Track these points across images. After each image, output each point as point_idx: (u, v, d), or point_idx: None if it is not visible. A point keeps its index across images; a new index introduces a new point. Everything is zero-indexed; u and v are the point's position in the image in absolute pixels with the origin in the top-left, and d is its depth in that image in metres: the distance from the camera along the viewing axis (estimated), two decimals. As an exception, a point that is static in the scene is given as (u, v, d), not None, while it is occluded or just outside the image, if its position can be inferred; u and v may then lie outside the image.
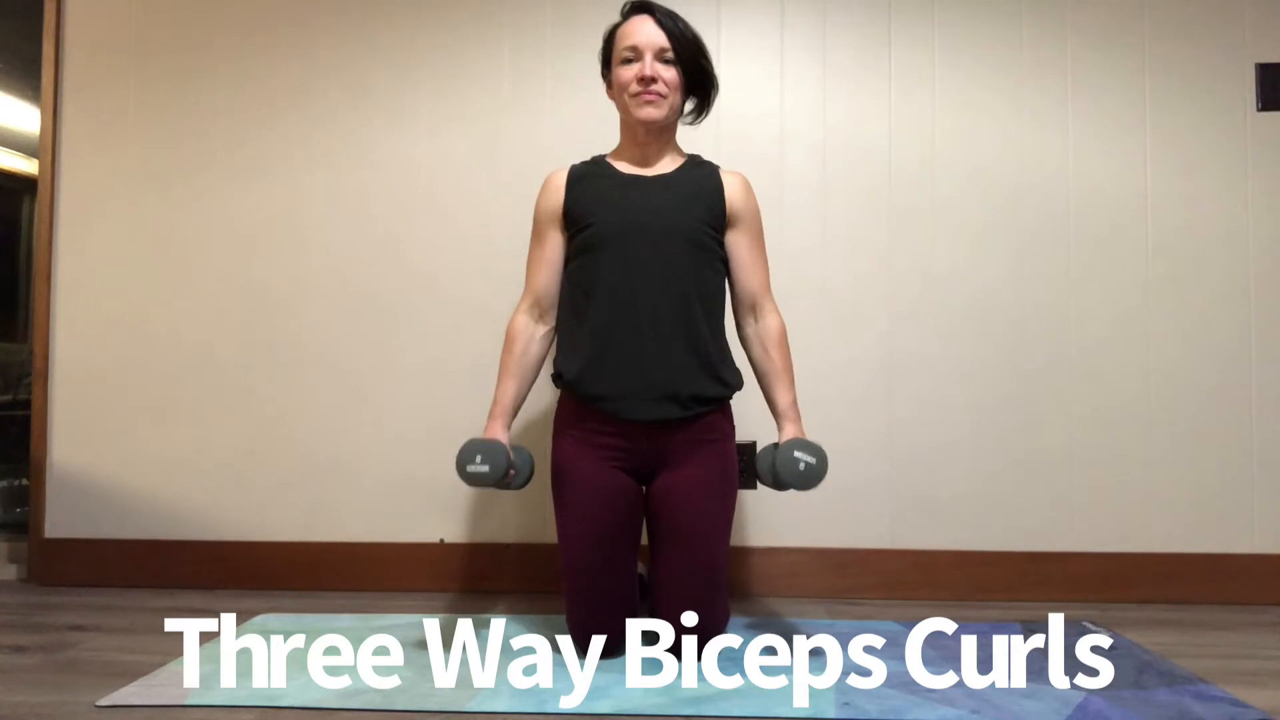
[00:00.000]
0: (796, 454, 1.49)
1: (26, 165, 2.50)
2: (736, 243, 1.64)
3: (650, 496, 1.59)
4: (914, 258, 2.06)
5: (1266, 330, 2.01)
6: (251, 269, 2.14)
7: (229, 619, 1.79)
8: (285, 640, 1.64)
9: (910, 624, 1.76)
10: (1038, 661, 1.53)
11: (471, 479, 1.51)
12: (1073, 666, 1.50)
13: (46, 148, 2.17)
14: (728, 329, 1.66)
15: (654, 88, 1.57)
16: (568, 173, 1.66)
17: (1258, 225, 2.03)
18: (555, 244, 1.65)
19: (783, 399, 1.61)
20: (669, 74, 1.59)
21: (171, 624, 1.64)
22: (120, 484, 2.14)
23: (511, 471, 1.55)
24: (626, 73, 1.59)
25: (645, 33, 1.58)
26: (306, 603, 1.96)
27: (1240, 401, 2.01)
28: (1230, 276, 2.02)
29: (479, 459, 1.50)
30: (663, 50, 1.58)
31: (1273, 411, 2.00)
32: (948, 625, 1.69)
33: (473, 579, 2.07)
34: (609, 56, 1.66)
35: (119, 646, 1.63)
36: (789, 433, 1.57)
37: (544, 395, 2.08)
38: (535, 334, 1.64)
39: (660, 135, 1.64)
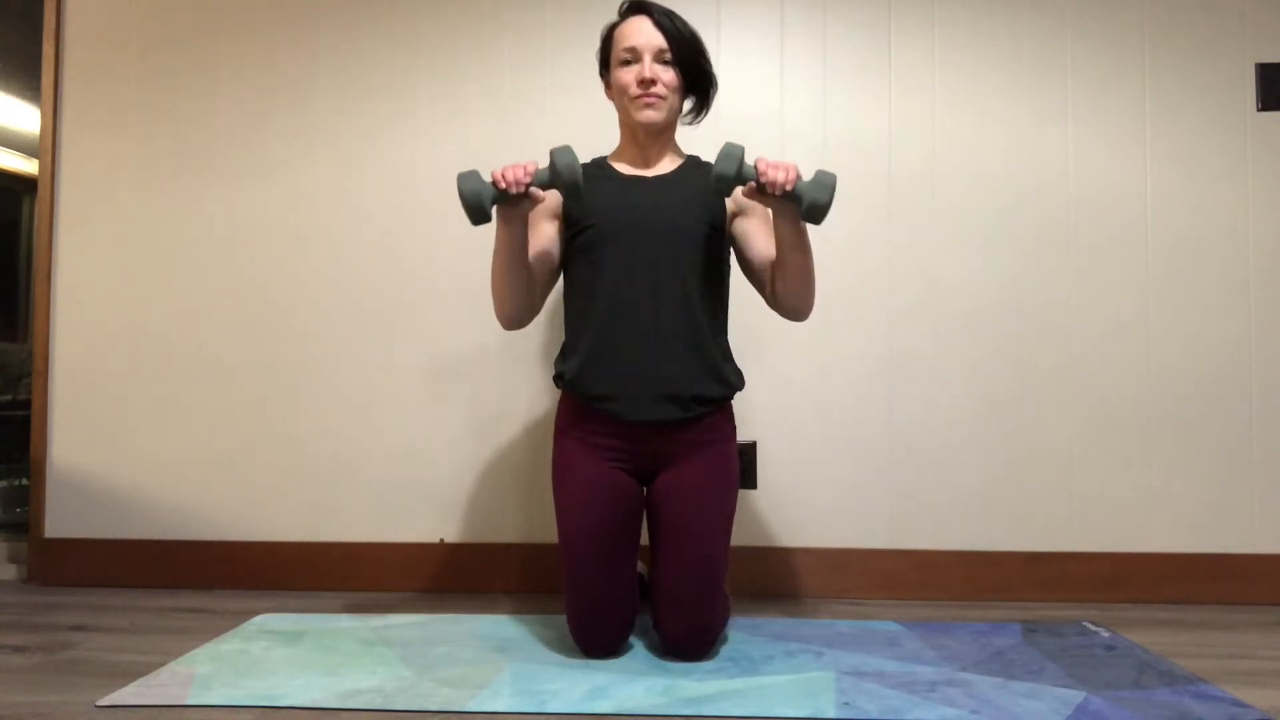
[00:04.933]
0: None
1: (26, 165, 2.50)
2: (748, 226, 1.61)
3: (651, 497, 1.59)
4: (914, 258, 2.06)
5: (1266, 331, 2.01)
6: (252, 268, 2.14)
7: (229, 619, 1.79)
8: (285, 640, 1.65)
9: (910, 624, 1.77)
10: (1037, 661, 1.53)
11: (564, 168, 1.41)
12: (1072, 666, 1.50)
13: (46, 148, 2.17)
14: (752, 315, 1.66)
15: (653, 90, 1.57)
16: (568, 174, 1.66)
17: (1258, 225, 2.03)
18: (549, 234, 1.62)
19: None
20: (668, 75, 1.59)
21: (175, 624, 1.65)
22: (120, 484, 2.14)
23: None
24: (625, 75, 1.59)
25: (643, 34, 1.58)
26: (306, 603, 1.96)
27: (1240, 401, 2.01)
28: (1230, 276, 2.02)
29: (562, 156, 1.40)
30: (661, 51, 1.58)
31: (1273, 411, 2.00)
32: (948, 626, 1.70)
33: (473, 579, 2.07)
34: (607, 57, 1.66)
35: (119, 646, 1.63)
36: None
37: (544, 396, 2.08)
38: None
39: (660, 136, 1.64)
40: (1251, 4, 2.04)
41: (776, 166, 1.42)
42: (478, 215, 1.43)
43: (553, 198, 1.63)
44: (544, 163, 1.49)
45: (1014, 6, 2.07)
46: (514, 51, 2.12)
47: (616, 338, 1.55)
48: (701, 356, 1.56)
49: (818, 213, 1.41)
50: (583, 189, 1.44)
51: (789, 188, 1.42)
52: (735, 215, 1.63)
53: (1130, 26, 2.06)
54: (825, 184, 1.40)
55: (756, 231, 1.62)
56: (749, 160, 1.44)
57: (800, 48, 2.10)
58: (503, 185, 1.43)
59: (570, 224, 1.62)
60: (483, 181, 1.43)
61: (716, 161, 1.41)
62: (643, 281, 1.55)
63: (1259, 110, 2.03)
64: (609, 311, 1.55)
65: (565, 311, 1.66)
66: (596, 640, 1.54)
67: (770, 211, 1.60)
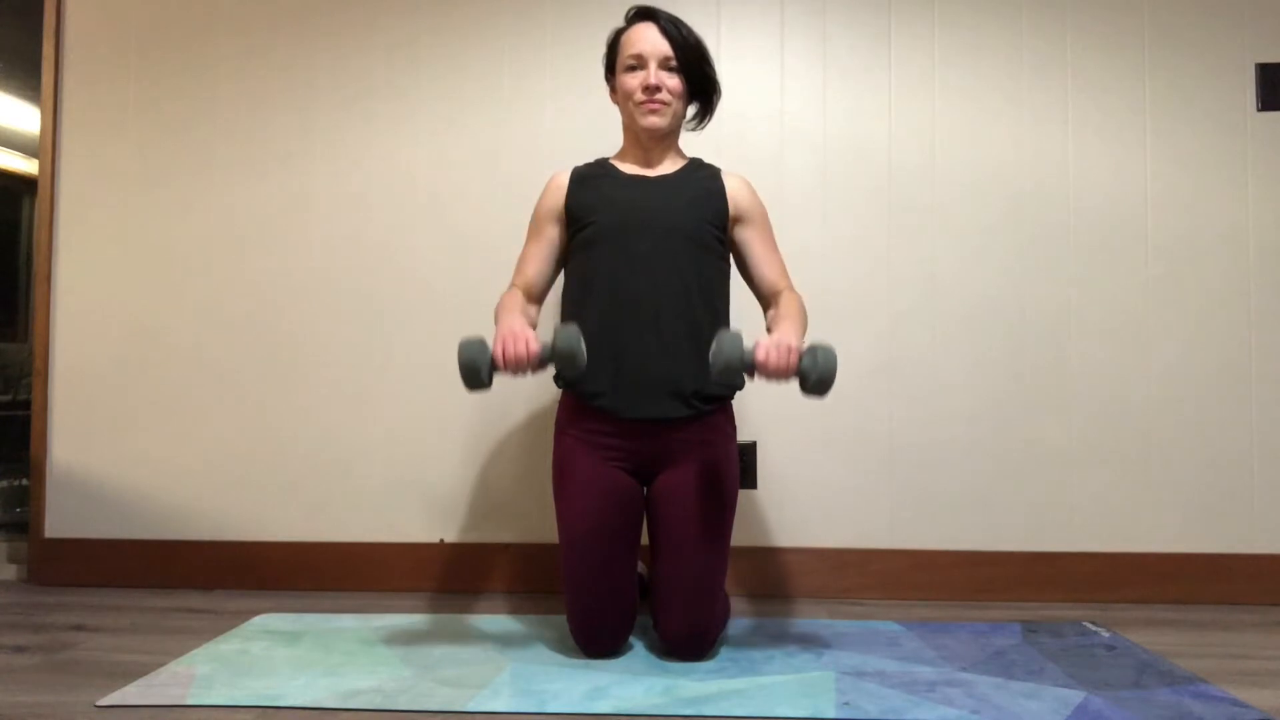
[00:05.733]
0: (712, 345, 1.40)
1: (26, 165, 2.50)
2: (748, 238, 1.65)
3: (651, 496, 1.59)
4: (914, 258, 2.06)
5: (1266, 330, 2.01)
6: (251, 269, 2.14)
7: (229, 619, 1.79)
8: (285, 640, 1.65)
9: (910, 624, 1.77)
10: (1037, 661, 1.53)
11: (570, 356, 1.37)
12: (1072, 666, 1.50)
13: (46, 148, 2.17)
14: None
15: (658, 96, 1.59)
16: (570, 173, 1.67)
17: (1258, 225, 2.03)
18: (551, 240, 1.65)
19: (774, 322, 1.55)
20: (672, 82, 1.60)
21: (175, 624, 1.65)
22: (120, 484, 2.14)
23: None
24: (631, 80, 1.60)
25: (649, 40, 1.59)
26: (306, 603, 1.96)
27: (1240, 401, 2.01)
28: (1230, 276, 2.02)
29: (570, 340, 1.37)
30: (667, 58, 1.59)
31: (1273, 411, 2.00)
32: (948, 626, 1.69)
33: (473, 579, 2.07)
34: (613, 62, 1.68)
35: (119, 646, 1.63)
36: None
37: (545, 395, 2.08)
38: (528, 309, 1.62)
39: (663, 139, 1.65)
40: (1251, 4, 2.04)
41: (777, 367, 1.38)
42: (474, 386, 1.40)
43: (556, 203, 1.64)
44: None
45: (1014, 6, 2.07)
46: (514, 52, 2.12)
47: (616, 335, 1.55)
48: (702, 354, 1.56)
49: (820, 396, 1.40)
50: (585, 371, 1.42)
51: (790, 376, 1.40)
52: (736, 220, 1.64)
53: (1130, 27, 2.06)
54: (826, 374, 1.36)
55: (755, 248, 1.64)
56: (748, 337, 1.45)
57: (800, 48, 2.10)
58: (502, 368, 1.40)
59: (571, 222, 1.63)
60: (484, 352, 1.38)
61: (714, 358, 1.37)
62: (643, 279, 1.55)
63: (1259, 110, 2.03)
64: (608, 307, 1.56)
65: (563, 307, 1.66)
66: (596, 640, 1.54)
67: (768, 218, 1.67)
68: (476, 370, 1.37)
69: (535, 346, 1.40)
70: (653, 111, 1.59)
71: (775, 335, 1.42)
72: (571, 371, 1.40)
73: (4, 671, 1.48)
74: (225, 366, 2.13)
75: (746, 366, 1.39)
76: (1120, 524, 2.01)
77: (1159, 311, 2.03)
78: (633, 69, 1.61)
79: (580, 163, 1.72)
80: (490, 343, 1.41)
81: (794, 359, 1.38)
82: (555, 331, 1.39)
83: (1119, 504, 2.01)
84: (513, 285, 1.64)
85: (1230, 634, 1.73)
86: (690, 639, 1.52)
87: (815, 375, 1.36)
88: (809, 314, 2.04)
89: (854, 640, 1.65)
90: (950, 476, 2.03)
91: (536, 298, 1.66)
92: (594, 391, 1.56)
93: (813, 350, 1.38)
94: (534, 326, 1.62)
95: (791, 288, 1.64)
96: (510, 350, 1.39)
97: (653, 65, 1.59)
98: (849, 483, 2.04)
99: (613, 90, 1.70)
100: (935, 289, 2.05)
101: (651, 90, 1.58)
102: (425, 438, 2.09)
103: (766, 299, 1.65)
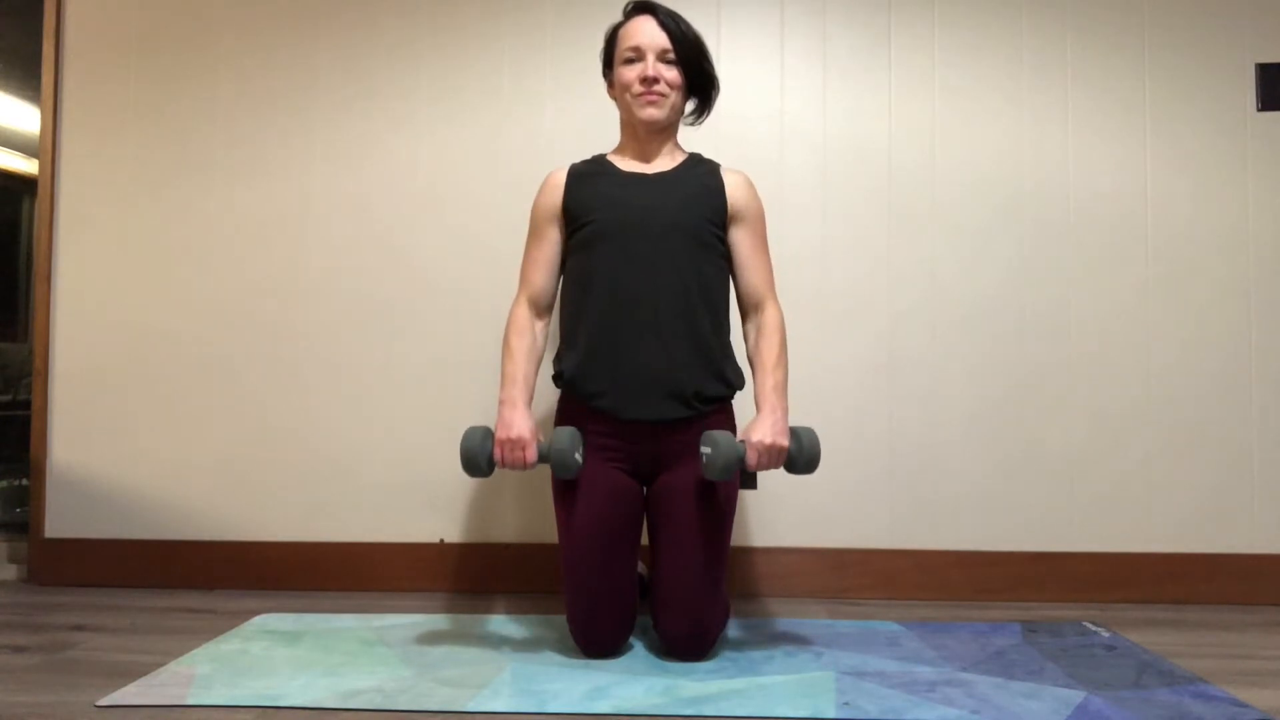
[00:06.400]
0: (702, 445, 1.48)
1: (26, 165, 2.50)
2: (739, 240, 1.64)
3: (651, 497, 1.59)
4: (914, 258, 2.06)
5: (1266, 330, 2.01)
6: (252, 269, 2.14)
7: (229, 619, 1.79)
8: (285, 640, 1.65)
9: (910, 624, 1.77)
10: (1037, 661, 1.53)
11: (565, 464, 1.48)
12: (1072, 666, 1.50)
13: (46, 148, 2.17)
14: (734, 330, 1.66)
15: (656, 88, 1.58)
16: (568, 171, 1.67)
17: (1258, 225, 2.03)
18: (553, 243, 1.65)
19: (761, 386, 1.54)
20: (671, 74, 1.60)
21: (175, 624, 1.65)
22: (120, 484, 2.14)
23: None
24: (629, 73, 1.60)
25: (647, 33, 1.59)
26: (306, 603, 1.96)
27: (1240, 402, 2.01)
28: (1230, 276, 2.02)
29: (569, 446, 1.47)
30: (665, 51, 1.59)
31: (1273, 411, 2.00)
32: (948, 626, 1.69)
33: (473, 579, 2.07)
34: (610, 56, 1.68)
35: (119, 646, 1.63)
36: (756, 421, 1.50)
37: (544, 395, 2.08)
38: (535, 329, 1.64)
39: (661, 134, 1.65)
40: (1251, 4, 2.04)
41: (767, 466, 1.46)
42: (473, 475, 1.51)
43: (554, 202, 1.64)
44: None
45: (1014, 6, 2.07)
46: (514, 51, 2.12)
47: (615, 335, 1.55)
48: (702, 354, 1.56)
49: (808, 473, 1.50)
50: (577, 474, 1.52)
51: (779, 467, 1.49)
52: (732, 218, 1.64)
53: (1130, 26, 2.06)
54: (811, 458, 1.46)
55: (744, 251, 1.63)
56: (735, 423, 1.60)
57: (800, 48, 2.09)
58: (500, 464, 1.50)
59: (569, 221, 1.63)
60: (485, 447, 1.49)
61: (709, 462, 1.44)
62: (642, 278, 1.55)
63: (1259, 110, 2.03)
64: (607, 307, 1.56)
65: (562, 306, 1.66)
66: (596, 640, 1.54)
67: (764, 219, 1.66)
68: (478, 465, 1.49)
69: (533, 455, 1.49)
70: (650, 103, 1.59)
71: (764, 429, 1.46)
72: (566, 475, 1.50)
73: (4, 671, 1.48)
74: (226, 367, 2.13)
75: (740, 464, 1.46)
76: (1120, 524, 2.01)
77: (1159, 310, 2.03)
78: (630, 61, 1.61)
79: (579, 159, 1.72)
80: (493, 428, 1.52)
81: (783, 457, 1.47)
82: (553, 438, 1.49)
83: (1119, 504, 2.01)
84: (520, 297, 1.65)
85: (1230, 634, 1.73)
86: (690, 639, 1.52)
87: (802, 460, 1.47)
88: (805, 316, 2.05)
89: (854, 640, 1.65)
90: (950, 477, 2.03)
91: (545, 308, 1.66)
92: (593, 392, 1.56)
93: (795, 435, 1.48)
94: (542, 352, 1.64)
95: (774, 299, 1.63)
96: (508, 457, 1.50)
97: (650, 57, 1.58)
98: (849, 483, 2.04)
99: (610, 85, 1.69)
100: (935, 289, 2.05)
101: (649, 82, 1.58)
102: (425, 438, 2.09)
103: (746, 309, 1.65)
